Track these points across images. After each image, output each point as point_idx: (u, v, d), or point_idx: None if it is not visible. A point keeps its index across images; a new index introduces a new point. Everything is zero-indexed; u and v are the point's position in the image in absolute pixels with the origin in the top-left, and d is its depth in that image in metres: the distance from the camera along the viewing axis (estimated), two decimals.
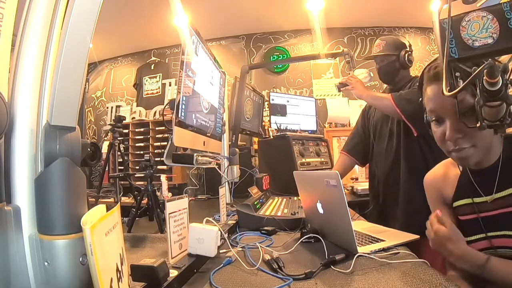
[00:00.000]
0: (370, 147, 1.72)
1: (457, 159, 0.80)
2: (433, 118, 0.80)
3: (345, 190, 2.02)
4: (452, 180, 0.90)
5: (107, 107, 4.59)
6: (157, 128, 4.03)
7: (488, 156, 0.79)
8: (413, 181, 1.44)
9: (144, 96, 4.47)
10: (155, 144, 3.95)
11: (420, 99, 0.87)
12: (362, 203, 1.90)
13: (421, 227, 1.10)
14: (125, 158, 3.54)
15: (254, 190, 1.49)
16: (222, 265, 0.77)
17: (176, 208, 0.78)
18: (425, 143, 1.43)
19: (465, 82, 0.51)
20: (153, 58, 4.48)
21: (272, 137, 2.26)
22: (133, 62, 4.69)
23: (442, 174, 0.94)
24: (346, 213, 0.80)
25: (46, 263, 0.44)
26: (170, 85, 4.36)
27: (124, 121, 2.86)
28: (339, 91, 1.77)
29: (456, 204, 0.88)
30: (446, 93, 0.55)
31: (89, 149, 1.98)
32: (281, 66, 4.20)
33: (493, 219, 0.78)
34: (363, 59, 1.92)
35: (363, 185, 2.17)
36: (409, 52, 1.60)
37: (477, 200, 0.82)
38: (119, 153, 2.69)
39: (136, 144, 4.10)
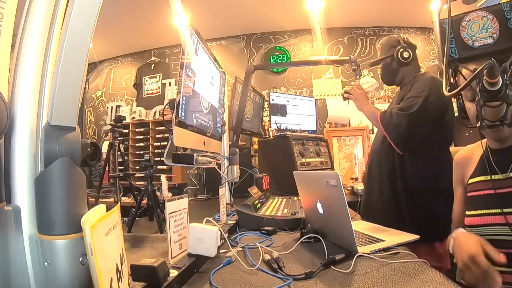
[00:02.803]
0: None
1: (491, 131, 0.85)
2: (469, 98, 0.86)
3: (345, 190, 2.02)
4: (474, 161, 0.96)
5: (107, 107, 4.59)
6: (157, 128, 4.03)
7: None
8: (383, 178, 1.46)
9: (144, 96, 4.47)
10: (155, 144, 3.95)
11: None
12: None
13: (379, 221, 1.16)
14: (125, 158, 3.54)
15: (254, 190, 1.49)
16: (222, 265, 0.77)
17: (176, 208, 0.78)
18: (399, 155, 1.40)
19: (466, 82, 0.51)
20: (153, 58, 4.48)
21: (272, 137, 2.26)
22: (133, 62, 4.69)
23: (468, 156, 1.00)
24: (346, 213, 0.80)
25: (46, 263, 0.44)
26: (170, 85, 4.36)
27: (124, 121, 2.86)
28: (345, 99, 1.74)
29: (471, 181, 0.92)
30: (446, 93, 0.55)
31: (89, 149, 1.98)
32: None
33: (506, 196, 0.82)
34: (368, 66, 1.87)
35: (363, 185, 2.17)
36: (403, 47, 1.50)
37: (494, 177, 0.86)
38: (119, 153, 2.69)
39: (136, 144, 4.10)
